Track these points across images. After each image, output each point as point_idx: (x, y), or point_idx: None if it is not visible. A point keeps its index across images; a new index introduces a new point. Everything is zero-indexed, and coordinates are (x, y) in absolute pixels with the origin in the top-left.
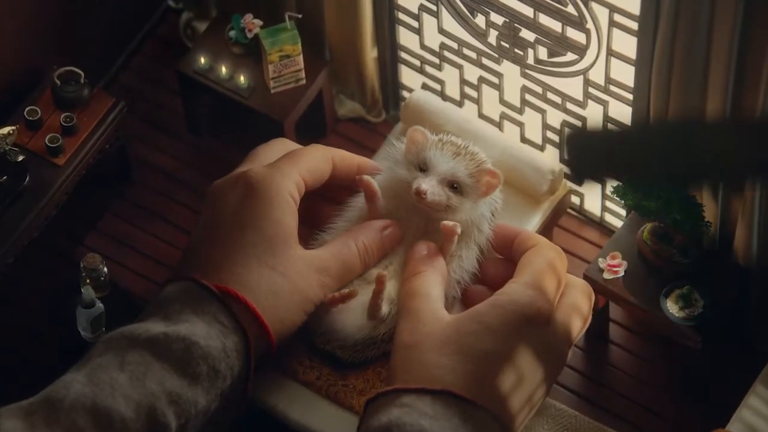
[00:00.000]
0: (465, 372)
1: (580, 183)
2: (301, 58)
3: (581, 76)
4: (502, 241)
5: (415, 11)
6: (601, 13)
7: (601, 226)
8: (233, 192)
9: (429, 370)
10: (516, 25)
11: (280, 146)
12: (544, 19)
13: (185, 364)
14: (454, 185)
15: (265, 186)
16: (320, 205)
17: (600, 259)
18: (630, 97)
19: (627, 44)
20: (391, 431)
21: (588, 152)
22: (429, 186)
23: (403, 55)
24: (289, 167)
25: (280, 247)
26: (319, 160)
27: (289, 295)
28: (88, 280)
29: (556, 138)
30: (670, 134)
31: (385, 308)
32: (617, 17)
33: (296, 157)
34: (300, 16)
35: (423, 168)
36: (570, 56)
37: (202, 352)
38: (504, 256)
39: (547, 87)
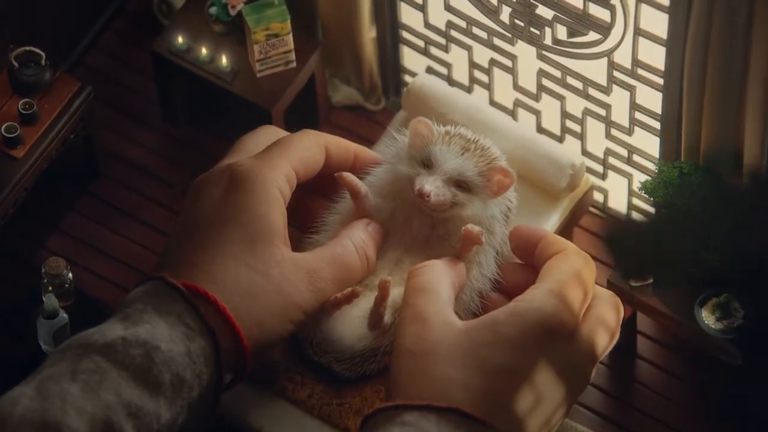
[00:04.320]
0: (477, 388)
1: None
2: (290, 37)
3: (605, 59)
4: (524, 245)
5: None
6: None
7: None
8: (217, 186)
9: (436, 384)
10: (532, 0)
11: (269, 134)
12: None
13: (145, 372)
14: (461, 184)
15: (252, 179)
16: (310, 201)
17: None
18: (660, 81)
19: (657, 22)
20: None
21: (631, 248)
22: (433, 186)
23: (405, 34)
24: (279, 158)
25: (263, 244)
26: (312, 148)
27: (270, 297)
28: (50, 288)
29: (576, 128)
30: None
31: (387, 317)
32: None
33: (286, 146)
34: None
35: (427, 164)
36: (592, 36)
37: (164, 358)
38: (525, 261)
39: (566, 71)
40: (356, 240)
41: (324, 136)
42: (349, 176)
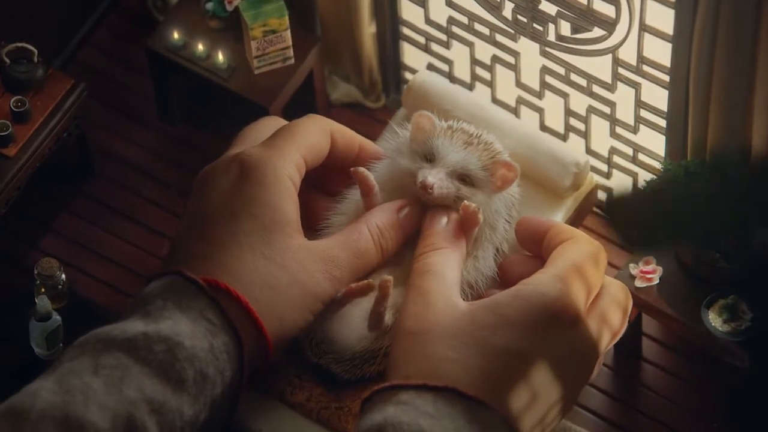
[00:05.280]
0: (476, 368)
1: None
2: (288, 33)
3: (610, 55)
4: (532, 236)
5: None
6: None
7: None
8: (225, 176)
9: (434, 364)
10: None
11: (272, 125)
12: None
13: (168, 368)
14: (464, 178)
15: (262, 168)
16: (314, 199)
17: (631, 265)
18: (666, 78)
19: (663, 18)
20: (386, 431)
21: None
22: (436, 179)
23: (406, 30)
24: (287, 146)
25: (278, 235)
26: (319, 134)
27: (289, 289)
28: (43, 289)
29: (580, 126)
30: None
31: (388, 318)
32: None
33: (293, 133)
34: None
35: (429, 158)
36: (597, 32)
37: (187, 354)
38: (532, 253)
39: (570, 67)
40: (372, 226)
41: (329, 122)
42: (363, 171)
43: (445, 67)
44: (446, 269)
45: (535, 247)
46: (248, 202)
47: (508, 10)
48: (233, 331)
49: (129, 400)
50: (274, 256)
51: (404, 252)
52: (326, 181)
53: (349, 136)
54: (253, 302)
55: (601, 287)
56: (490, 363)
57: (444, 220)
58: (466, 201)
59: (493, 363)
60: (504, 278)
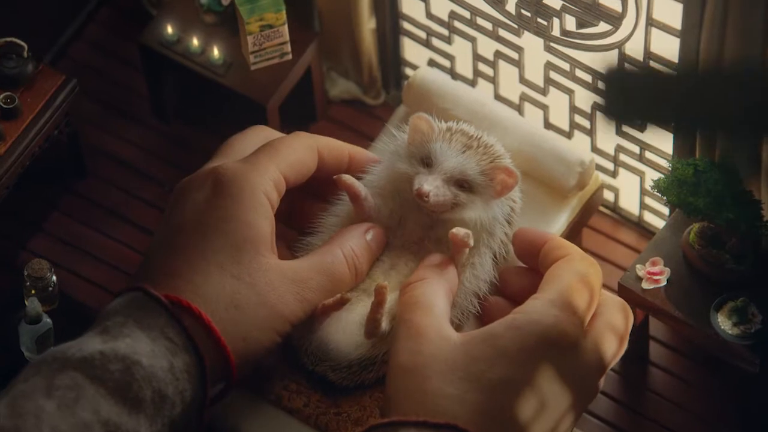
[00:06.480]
0: (474, 403)
1: (612, 122)
2: (285, 28)
3: (616, 50)
4: (528, 248)
5: None
6: None
7: (639, 226)
8: (201, 191)
9: (432, 400)
10: None
11: (259, 135)
12: None
13: (125, 388)
14: (462, 184)
15: (237, 184)
16: (306, 204)
17: (638, 266)
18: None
19: (671, 12)
20: None
21: (627, 91)
22: (432, 186)
23: (406, 25)
24: (267, 162)
25: (249, 253)
26: (303, 152)
27: (255, 308)
28: (33, 291)
29: (585, 123)
30: (724, 81)
31: (385, 324)
32: None
33: (275, 149)
34: None
35: (427, 162)
36: (603, 27)
37: (145, 374)
38: (528, 265)
39: (575, 63)
40: (347, 249)
41: (316, 138)
42: (348, 178)
43: (446, 63)
44: (434, 300)
45: (532, 260)
46: (221, 217)
47: (511, 5)
48: (194, 351)
49: (83, 422)
50: (242, 275)
51: (399, 259)
52: (321, 190)
53: (337, 149)
54: (217, 321)
55: (598, 304)
56: (486, 397)
57: (436, 258)
58: (455, 228)
59: (490, 396)
60: (503, 289)
